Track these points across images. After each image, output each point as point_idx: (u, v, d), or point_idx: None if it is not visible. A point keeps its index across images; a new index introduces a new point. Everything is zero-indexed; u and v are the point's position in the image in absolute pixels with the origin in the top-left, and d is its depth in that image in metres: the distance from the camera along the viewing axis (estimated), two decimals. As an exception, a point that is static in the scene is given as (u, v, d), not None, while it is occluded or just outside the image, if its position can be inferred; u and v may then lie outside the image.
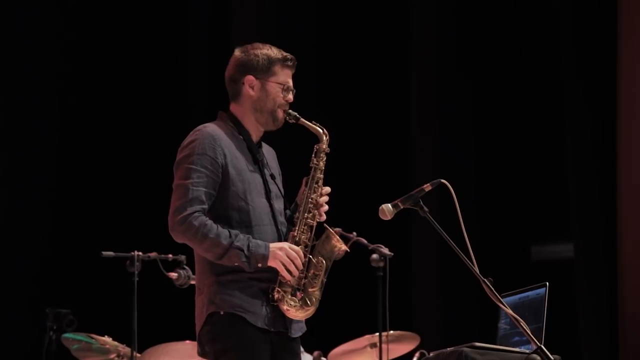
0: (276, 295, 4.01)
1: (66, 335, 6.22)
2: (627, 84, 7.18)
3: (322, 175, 4.15)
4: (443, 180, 4.05)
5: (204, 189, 3.99)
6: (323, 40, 8.63)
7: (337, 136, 8.06)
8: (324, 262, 4.08)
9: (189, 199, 3.97)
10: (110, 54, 8.65)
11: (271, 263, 3.98)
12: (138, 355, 5.97)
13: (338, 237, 4.10)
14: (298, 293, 4.05)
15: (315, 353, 6.55)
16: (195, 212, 3.96)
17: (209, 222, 3.97)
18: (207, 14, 8.92)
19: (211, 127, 4.11)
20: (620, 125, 7.20)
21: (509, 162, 8.06)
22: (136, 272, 5.82)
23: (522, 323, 3.87)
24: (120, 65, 8.65)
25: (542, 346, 3.85)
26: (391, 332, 6.17)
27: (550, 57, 7.93)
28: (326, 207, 4.15)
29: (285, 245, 4.02)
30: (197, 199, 3.98)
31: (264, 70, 4.13)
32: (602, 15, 7.43)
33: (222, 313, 3.98)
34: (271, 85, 4.14)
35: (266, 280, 4.03)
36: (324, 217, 4.16)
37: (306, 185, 4.15)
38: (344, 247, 4.11)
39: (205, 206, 3.99)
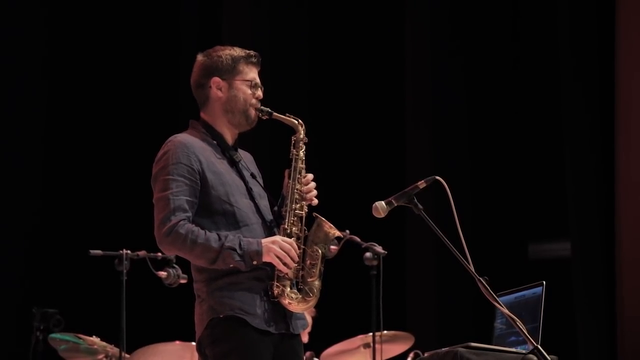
0: (276, 291, 3.96)
1: (53, 335, 6.18)
2: (625, 80, 7.19)
3: (303, 165, 4.12)
4: (438, 177, 3.99)
5: (185, 198, 3.94)
6: (315, 37, 8.62)
7: (330, 133, 8.12)
8: (319, 250, 4.04)
9: (172, 209, 3.92)
10: (99, 53, 8.65)
11: (266, 258, 3.93)
12: (127, 355, 5.93)
13: (330, 224, 4.05)
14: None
15: (308, 353, 6.52)
16: (180, 220, 3.91)
17: (196, 228, 3.92)
18: (196, 13, 8.89)
19: (182, 136, 4.07)
20: (619, 123, 7.21)
21: (506, 158, 8.06)
22: (125, 271, 5.77)
23: (519, 322, 3.82)
24: (109, 63, 8.64)
25: (539, 346, 3.81)
26: (385, 332, 6.13)
27: (547, 53, 7.92)
28: (315, 192, 4.11)
29: (278, 238, 3.97)
30: (180, 207, 3.93)
31: (229, 70, 4.10)
32: (600, 11, 7.42)
33: (221, 316, 3.92)
34: (238, 83, 4.10)
35: (264, 279, 3.97)
36: (316, 201, 4.11)
37: (289, 177, 4.10)
38: (337, 232, 4.07)
39: (189, 214, 3.94)
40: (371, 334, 6.01)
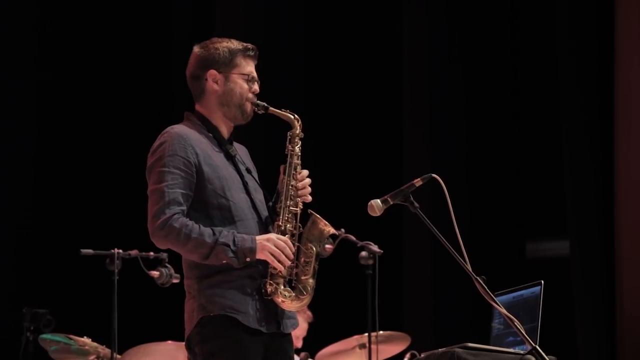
0: (269, 289, 3.92)
1: (44, 336, 6.12)
2: (624, 79, 7.19)
3: (299, 161, 4.09)
4: (434, 175, 3.96)
5: (180, 191, 3.90)
6: (311, 33, 8.60)
7: (327, 130, 8.08)
8: (314, 248, 4.01)
9: (166, 202, 3.88)
10: (90, 49, 8.62)
11: (260, 255, 3.89)
12: (118, 356, 5.89)
13: (325, 221, 4.03)
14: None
15: (303, 354, 6.51)
16: (175, 214, 3.87)
17: (190, 222, 3.88)
18: (190, 8, 8.85)
19: (179, 127, 4.03)
20: (618, 120, 7.22)
21: (504, 156, 8.06)
22: (116, 271, 5.74)
23: (517, 322, 3.79)
24: (101, 60, 8.61)
25: (537, 346, 3.78)
26: (381, 332, 6.11)
27: (546, 50, 7.90)
28: (309, 189, 4.08)
29: (272, 235, 3.93)
30: (175, 201, 3.89)
31: (226, 63, 4.06)
32: (599, 9, 7.40)
33: (212, 315, 3.89)
34: (235, 77, 4.07)
35: (256, 277, 3.94)
36: (310, 198, 4.09)
37: (284, 173, 4.08)
38: (332, 230, 4.04)
39: (184, 207, 3.91)
40: (367, 334, 5.99)
